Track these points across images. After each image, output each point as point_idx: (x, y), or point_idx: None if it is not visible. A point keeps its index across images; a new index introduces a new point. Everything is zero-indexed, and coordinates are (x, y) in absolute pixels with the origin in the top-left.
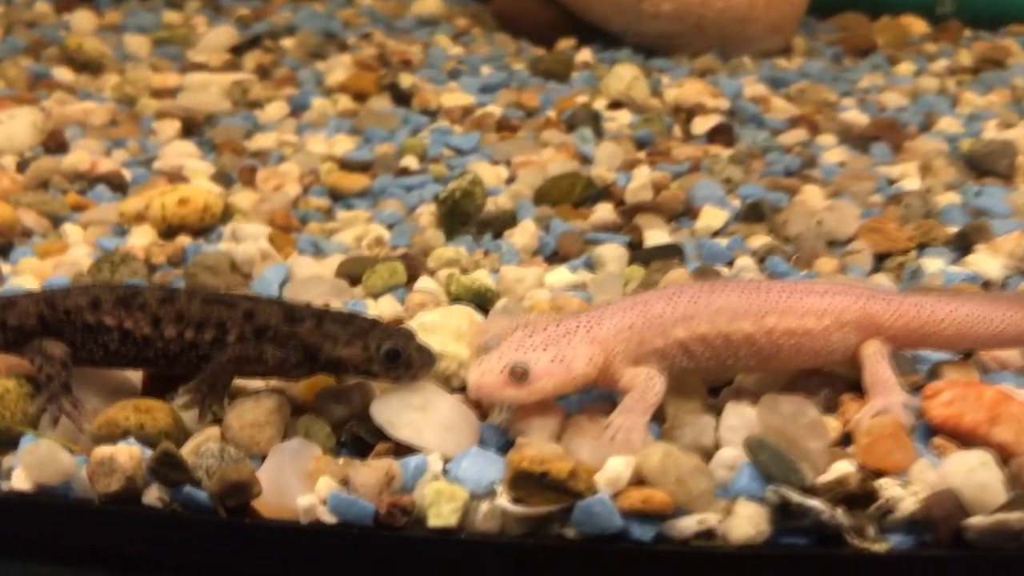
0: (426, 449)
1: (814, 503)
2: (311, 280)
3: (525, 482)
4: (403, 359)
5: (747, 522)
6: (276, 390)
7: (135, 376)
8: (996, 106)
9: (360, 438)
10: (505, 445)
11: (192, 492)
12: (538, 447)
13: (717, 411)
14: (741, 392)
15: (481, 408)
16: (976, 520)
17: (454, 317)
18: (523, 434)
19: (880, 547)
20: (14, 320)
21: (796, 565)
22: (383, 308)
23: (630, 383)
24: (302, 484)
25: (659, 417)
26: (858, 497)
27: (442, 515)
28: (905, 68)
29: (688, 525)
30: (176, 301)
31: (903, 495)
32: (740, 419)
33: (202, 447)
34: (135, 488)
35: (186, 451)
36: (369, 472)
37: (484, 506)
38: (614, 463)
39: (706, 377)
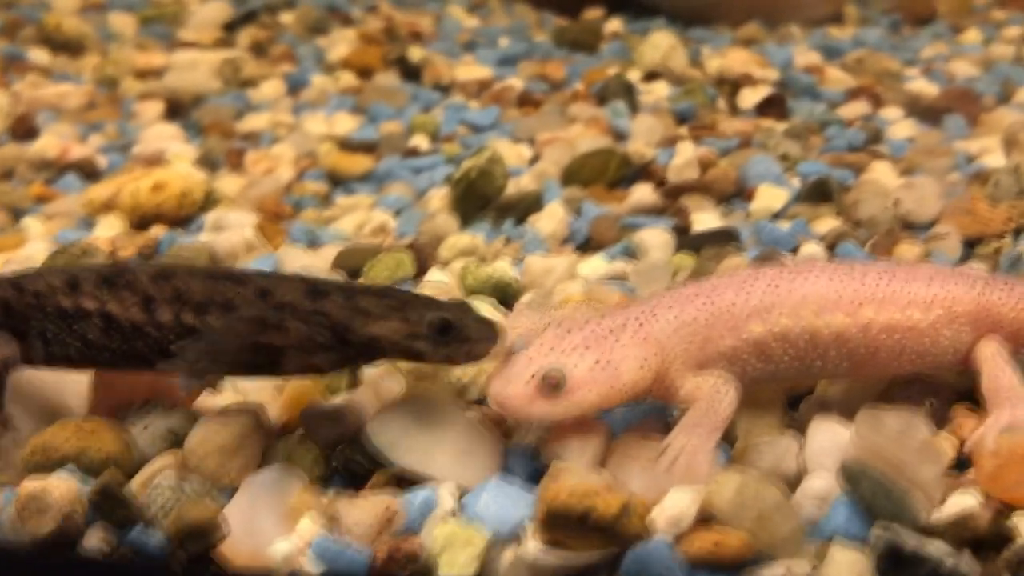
0: (436, 479)
1: (935, 547)
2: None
3: (562, 522)
4: (456, 331)
5: (847, 571)
6: (250, 407)
7: (80, 391)
8: None
9: (354, 465)
10: (535, 473)
11: (143, 534)
12: (578, 476)
13: (799, 428)
14: (826, 404)
15: (506, 425)
16: None
17: None
18: (559, 459)
19: None
20: None
21: None
22: None
23: (693, 393)
24: (281, 524)
25: (728, 436)
26: (989, 539)
27: (456, 564)
28: (972, 36)
29: (773, 575)
30: (173, 278)
31: None
32: (831, 439)
33: (156, 478)
34: (74, 529)
35: (138, 483)
36: (364, 509)
37: (509, 552)
38: (676, 497)
39: (784, 385)
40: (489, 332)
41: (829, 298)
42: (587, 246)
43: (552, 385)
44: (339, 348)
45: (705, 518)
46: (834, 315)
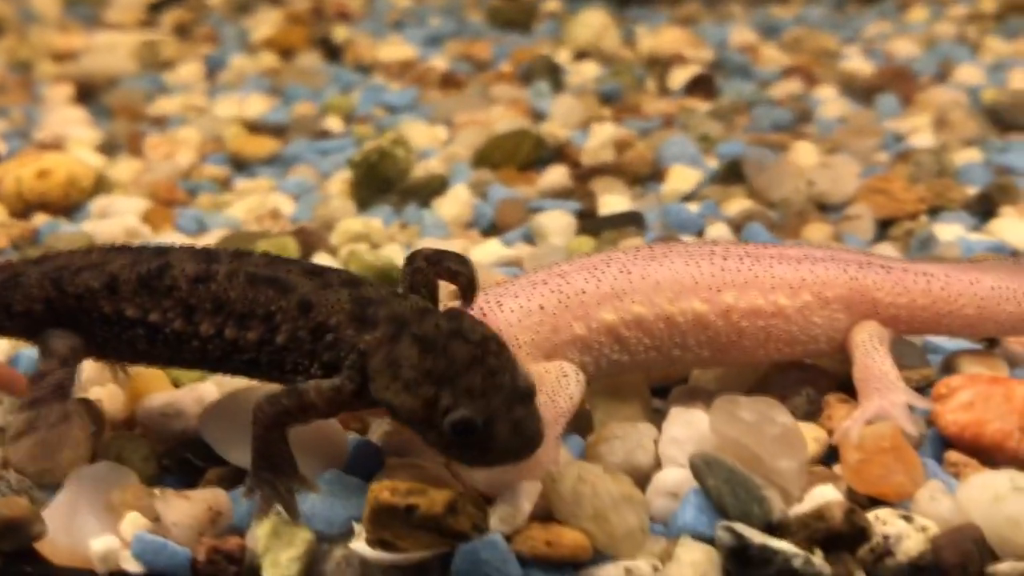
0: None
1: (782, 545)
2: None
3: (389, 519)
4: (479, 438)
5: (692, 571)
6: (82, 402)
7: None
8: None
9: (188, 462)
10: (378, 470)
11: None
12: (412, 472)
13: (663, 419)
14: (696, 393)
15: (362, 421)
16: (1005, 567)
17: None
18: (400, 454)
19: None
20: (20, 305)
21: None
22: None
23: (538, 384)
24: (103, 522)
25: (586, 428)
26: (844, 536)
27: (279, 564)
28: (918, 14)
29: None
30: (213, 280)
31: (906, 532)
32: (688, 429)
33: None
34: None
35: None
36: (186, 506)
37: (338, 552)
38: (511, 494)
39: (650, 374)
40: (523, 444)
41: (685, 283)
42: (492, 230)
43: None
44: (369, 397)
45: (544, 515)
46: (690, 301)
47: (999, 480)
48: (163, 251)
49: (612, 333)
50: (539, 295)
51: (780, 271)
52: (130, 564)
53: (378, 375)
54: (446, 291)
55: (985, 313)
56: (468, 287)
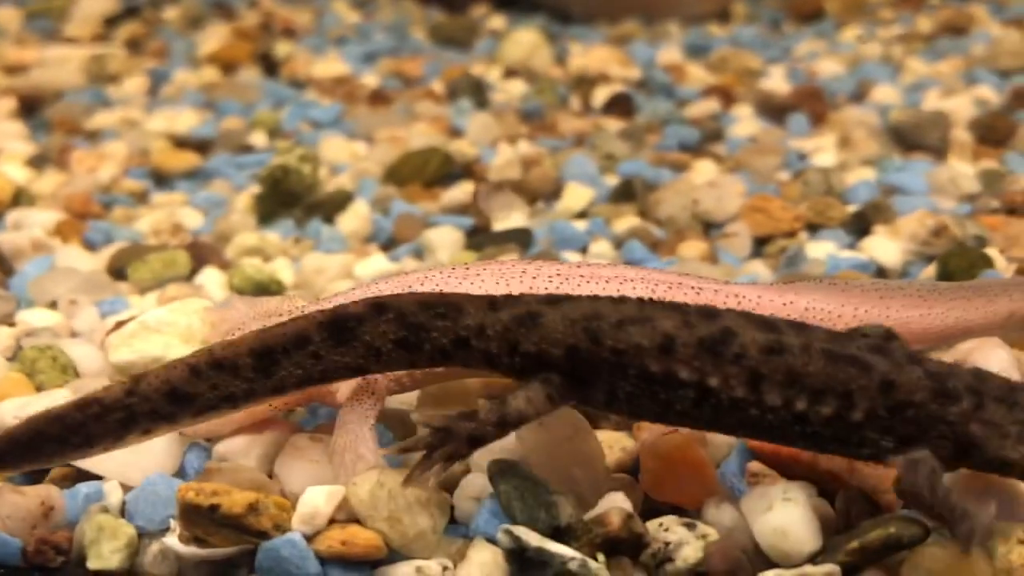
0: (106, 475)
1: (559, 549)
2: (60, 273)
3: (196, 517)
4: None
5: (479, 571)
6: None
7: None
8: (945, 75)
9: None
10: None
11: None
12: (232, 474)
13: None
14: None
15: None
16: (771, 575)
17: (185, 314)
18: (225, 457)
19: None
20: (532, 346)
21: None
22: (147, 305)
23: (346, 392)
24: None
25: (410, 433)
26: (624, 541)
27: (102, 556)
28: (851, 34)
29: (404, 574)
30: (788, 352)
31: (686, 539)
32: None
33: None
34: None
35: None
36: (19, 500)
37: (155, 546)
38: (311, 495)
39: (490, 382)
40: None
41: None
42: (391, 245)
43: None
44: (954, 460)
45: (352, 517)
46: None
47: (773, 491)
48: (711, 313)
49: None
50: None
51: (588, 290)
52: None
53: (987, 441)
54: None
55: None
56: None
